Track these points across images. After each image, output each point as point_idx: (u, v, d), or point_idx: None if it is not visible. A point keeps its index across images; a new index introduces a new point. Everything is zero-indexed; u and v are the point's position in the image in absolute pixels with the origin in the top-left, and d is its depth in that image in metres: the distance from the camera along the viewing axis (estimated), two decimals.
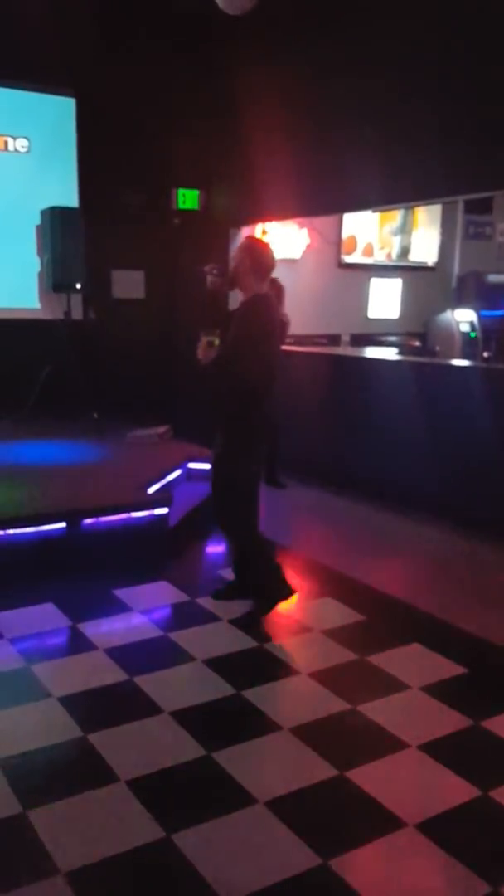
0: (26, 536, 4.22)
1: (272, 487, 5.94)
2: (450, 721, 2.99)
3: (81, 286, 6.68)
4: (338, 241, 8.45)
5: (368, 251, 8.73)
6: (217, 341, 3.59)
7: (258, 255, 3.61)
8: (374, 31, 5.58)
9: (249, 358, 3.53)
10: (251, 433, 3.67)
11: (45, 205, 6.62)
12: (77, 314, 6.92)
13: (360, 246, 8.64)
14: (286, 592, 3.80)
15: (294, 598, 3.89)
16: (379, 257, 8.76)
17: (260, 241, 3.78)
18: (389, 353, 6.82)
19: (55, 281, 6.58)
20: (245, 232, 7.60)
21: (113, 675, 3.27)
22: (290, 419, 6.42)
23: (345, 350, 7.52)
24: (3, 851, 2.27)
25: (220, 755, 2.73)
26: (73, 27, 6.16)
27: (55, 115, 6.86)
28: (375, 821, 2.42)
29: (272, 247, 3.82)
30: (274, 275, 7.83)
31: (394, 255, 8.86)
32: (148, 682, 3.20)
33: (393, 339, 8.35)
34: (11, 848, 2.29)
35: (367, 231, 8.62)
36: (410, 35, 5.33)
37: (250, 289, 3.60)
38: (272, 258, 3.68)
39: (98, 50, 6.41)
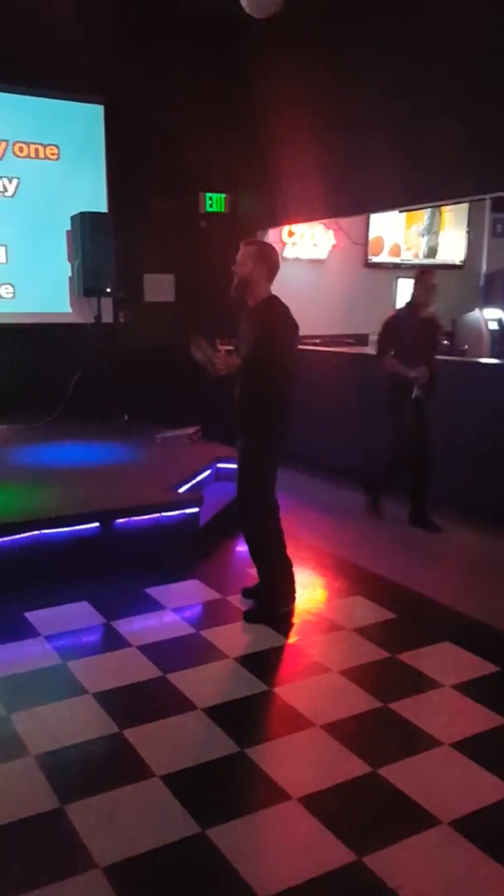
0: (61, 536, 4.29)
1: (421, 529, 5.20)
2: (482, 719, 2.98)
3: (111, 290, 6.76)
4: (364, 242, 8.44)
5: (395, 252, 8.71)
6: (232, 349, 3.65)
7: (272, 261, 3.68)
8: (398, 32, 5.58)
9: (282, 358, 3.59)
10: (275, 432, 3.71)
11: (76, 210, 6.72)
12: (107, 318, 7.00)
13: (387, 246, 8.63)
14: (287, 604, 3.90)
15: (323, 597, 3.91)
16: (406, 257, 8.74)
17: (269, 245, 3.78)
18: None
19: (86, 285, 6.66)
20: (271, 234, 7.64)
21: (146, 671, 3.31)
22: (314, 418, 6.43)
23: (371, 349, 7.49)
24: (42, 845, 2.31)
25: (253, 751, 2.76)
26: (100, 35, 6.25)
27: (84, 122, 6.95)
28: (409, 818, 2.43)
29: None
30: (301, 275, 7.84)
31: (420, 256, 8.83)
32: (181, 679, 3.23)
33: None
34: (49, 842, 2.33)
35: (394, 232, 8.60)
36: (435, 34, 5.32)
37: (264, 293, 3.66)
38: (279, 261, 3.80)
39: (125, 57, 6.50)
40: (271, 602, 3.85)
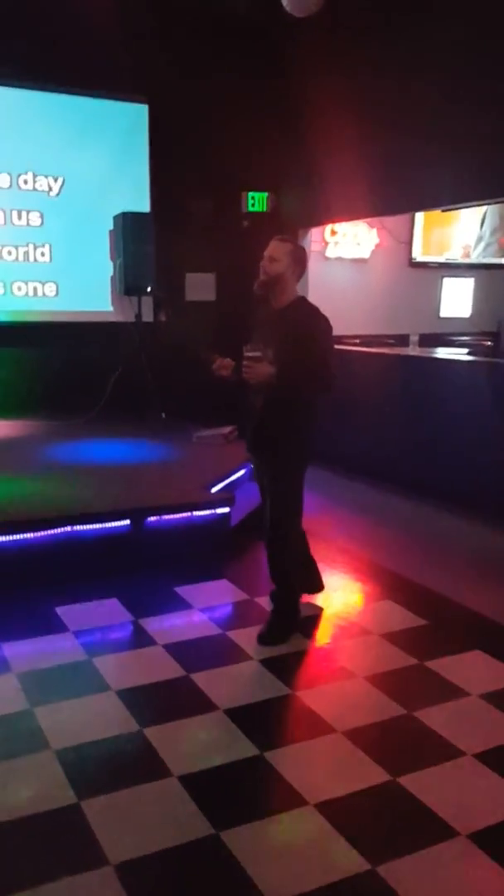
0: (93, 533, 4.33)
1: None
2: None
3: (152, 289, 6.80)
4: (409, 241, 8.34)
5: (466, 254, 8.63)
6: (260, 355, 3.36)
7: (304, 262, 3.53)
8: (442, 27, 5.49)
9: (328, 360, 3.39)
10: (308, 445, 3.58)
11: (119, 209, 6.78)
12: (148, 317, 7.05)
13: (457, 247, 8.57)
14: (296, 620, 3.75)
15: (353, 601, 3.85)
16: (451, 256, 8.61)
17: (302, 245, 3.70)
18: (459, 354, 6.67)
19: (127, 284, 6.72)
20: (313, 233, 7.60)
21: (171, 670, 3.32)
22: (354, 419, 6.38)
23: (413, 350, 7.41)
24: (56, 840, 2.33)
25: (272, 755, 2.74)
26: (143, 35, 6.29)
27: (128, 121, 7.01)
28: (427, 829, 2.38)
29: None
30: (343, 275, 7.72)
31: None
32: (204, 679, 3.23)
33: (464, 339, 8.17)
34: (64, 837, 2.34)
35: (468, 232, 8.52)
36: (479, 30, 5.21)
37: (293, 294, 3.49)
38: None
39: (169, 56, 6.53)
40: (290, 621, 3.69)
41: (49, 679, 3.25)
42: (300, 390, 3.41)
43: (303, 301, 3.53)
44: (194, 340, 6.89)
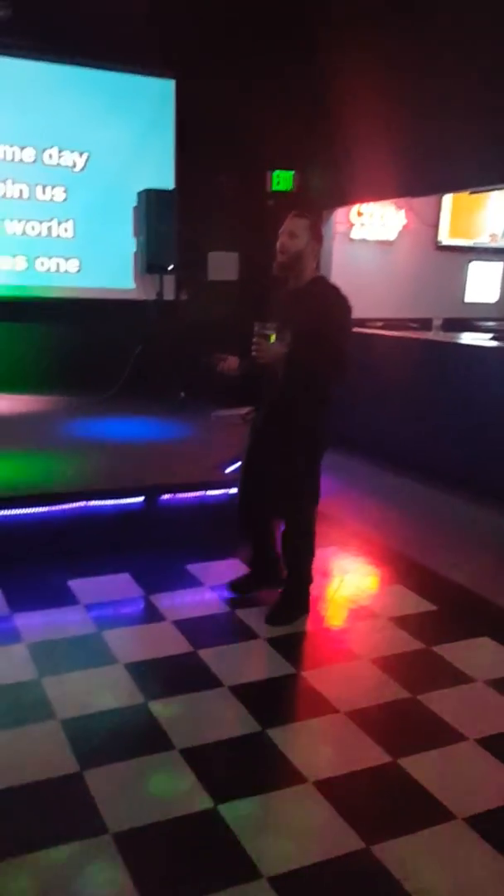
0: (107, 509, 4.38)
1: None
2: None
3: (173, 267, 6.80)
4: (436, 223, 8.24)
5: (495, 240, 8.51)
6: (274, 336, 3.21)
7: (321, 238, 3.41)
8: (474, 4, 5.37)
9: (346, 344, 3.31)
10: (326, 425, 3.51)
11: (143, 186, 6.77)
12: (169, 295, 7.05)
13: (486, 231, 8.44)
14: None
15: (363, 584, 3.85)
16: (479, 240, 8.49)
17: (316, 221, 3.44)
18: (483, 339, 6.59)
19: (149, 262, 6.73)
20: (339, 214, 7.52)
21: (178, 646, 3.35)
22: (373, 403, 6.35)
23: (436, 335, 7.33)
24: (57, 807, 2.38)
25: (274, 732, 2.76)
26: (172, 9, 6.24)
27: (155, 97, 6.98)
28: (424, 811, 2.39)
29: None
30: (368, 256, 7.52)
31: None
32: (211, 656, 3.25)
33: (489, 324, 8.07)
34: (66, 804, 2.39)
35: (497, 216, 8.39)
36: None
37: (312, 272, 3.37)
38: None
39: (197, 32, 6.47)
40: (304, 598, 3.68)
41: (58, 650, 3.30)
42: (315, 375, 3.31)
43: (321, 280, 3.42)
44: (215, 321, 6.90)
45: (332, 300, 3.32)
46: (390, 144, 6.25)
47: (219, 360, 3.54)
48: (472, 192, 7.40)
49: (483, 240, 8.50)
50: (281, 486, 3.53)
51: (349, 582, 4.14)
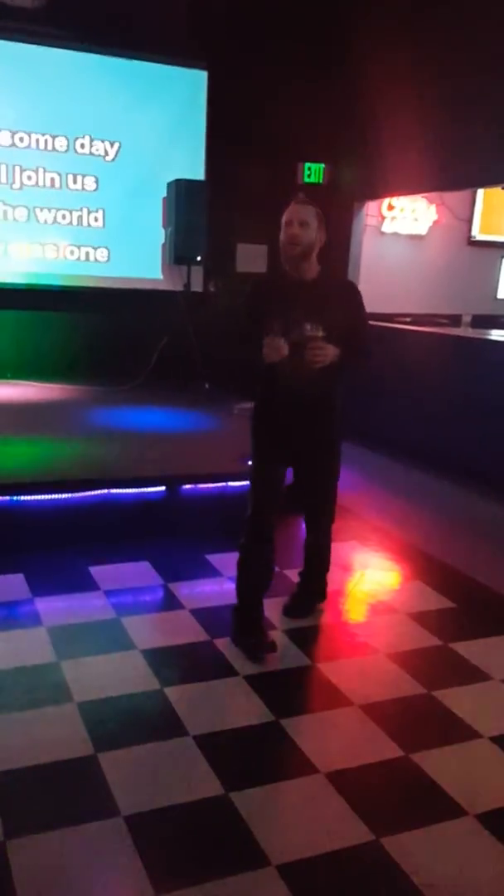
0: (129, 497, 4.41)
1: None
2: None
3: (202, 259, 6.80)
4: (469, 218, 8.15)
5: None
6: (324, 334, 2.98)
7: (326, 226, 3.18)
8: None
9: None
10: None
11: (174, 176, 6.77)
12: (197, 286, 7.05)
13: None
14: None
15: (382, 579, 3.85)
16: None
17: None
18: None
19: (177, 253, 6.73)
20: (370, 207, 7.47)
21: (195, 634, 3.38)
22: (398, 400, 6.31)
23: (464, 331, 7.26)
24: (71, 788, 2.41)
25: (288, 722, 2.77)
26: (206, 1, 6.23)
27: (187, 87, 6.95)
28: (435, 806, 2.39)
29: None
30: (398, 251, 7.28)
31: None
32: (227, 646, 3.27)
33: None
34: (79, 786, 2.42)
35: None
36: None
37: (318, 263, 3.16)
38: None
39: (230, 23, 6.45)
40: (324, 588, 3.70)
41: (77, 635, 3.34)
42: (355, 367, 3.26)
43: (328, 271, 3.30)
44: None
45: (355, 290, 3.30)
46: (422, 138, 6.19)
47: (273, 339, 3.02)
48: None
49: None
50: (328, 478, 3.40)
51: (369, 577, 4.13)
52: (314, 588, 3.67)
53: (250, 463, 3.32)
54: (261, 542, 3.24)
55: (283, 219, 3.11)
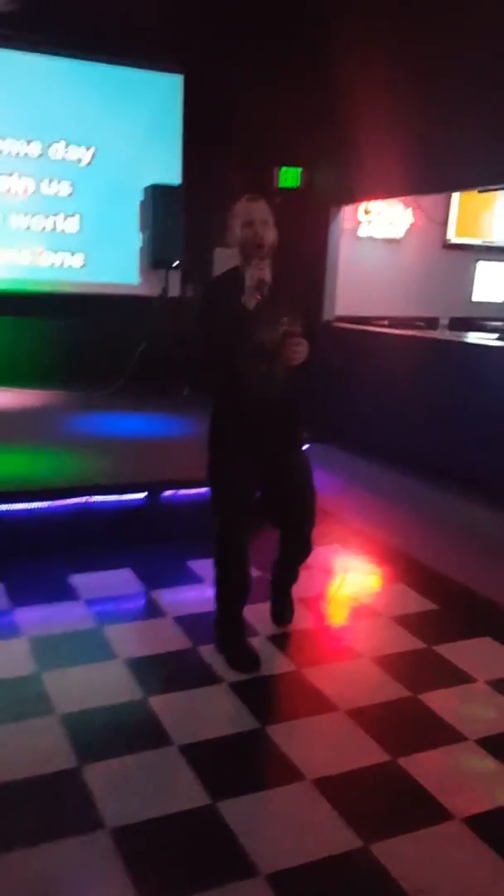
0: (109, 504, 4.37)
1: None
2: None
3: (179, 263, 6.78)
4: (444, 221, 8.20)
5: None
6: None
7: None
8: (482, 1, 5.34)
9: None
10: None
11: (149, 182, 6.75)
12: (175, 291, 7.04)
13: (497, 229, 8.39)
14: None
15: (365, 582, 3.84)
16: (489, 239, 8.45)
17: None
18: (490, 339, 6.57)
19: (154, 257, 6.72)
20: (346, 212, 7.49)
21: (178, 642, 3.35)
22: (377, 402, 6.33)
23: (442, 333, 7.30)
24: (56, 802, 2.37)
25: (273, 729, 2.75)
26: (180, 4, 6.22)
27: (163, 92, 6.96)
28: (422, 810, 2.38)
29: None
30: (374, 254, 7.15)
31: None
32: (211, 653, 3.24)
33: (497, 323, 8.04)
34: (63, 800, 2.38)
35: None
36: None
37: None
38: None
39: (205, 28, 6.44)
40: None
41: (58, 645, 3.30)
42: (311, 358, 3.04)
43: (278, 267, 3.04)
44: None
45: (301, 277, 3.27)
46: (399, 142, 6.22)
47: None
48: (480, 191, 7.36)
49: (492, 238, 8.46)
50: (306, 479, 3.25)
51: (351, 580, 4.13)
52: (289, 587, 3.54)
53: (213, 477, 3.17)
54: (238, 561, 3.13)
55: (240, 218, 2.94)
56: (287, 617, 3.53)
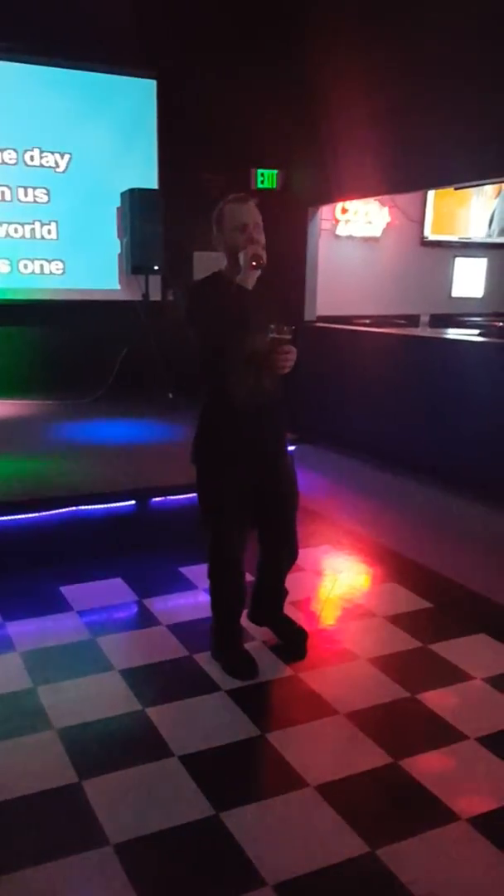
0: (98, 513, 4.33)
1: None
2: None
3: (159, 268, 6.75)
4: (420, 219, 8.24)
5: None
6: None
7: None
8: (455, 3, 5.36)
9: None
10: None
11: (127, 186, 6.71)
12: (155, 295, 7.00)
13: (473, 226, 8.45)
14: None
15: (358, 583, 3.83)
16: (465, 235, 8.50)
17: None
18: (470, 334, 6.60)
19: (134, 263, 6.67)
20: (324, 211, 7.50)
21: (174, 651, 3.32)
22: (362, 400, 6.34)
23: (423, 330, 7.33)
24: (57, 819, 2.34)
25: (273, 736, 2.73)
26: (153, 9, 6.19)
27: (137, 96, 6.92)
28: (427, 812, 2.37)
29: None
30: (354, 253, 7.16)
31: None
32: (207, 660, 3.22)
33: (476, 319, 8.09)
34: (65, 816, 2.35)
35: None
36: (493, 5, 5.10)
37: None
38: None
39: (178, 31, 6.42)
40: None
41: (52, 658, 3.26)
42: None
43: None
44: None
45: (275, 279, 3.08)
46: (374, 142, 6.23)
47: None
48: (456, 189, 7.40)
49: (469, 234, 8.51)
50: (293, 485, 3.21)
51: (343, 581, 4.12)
52: (281, 606, 3.41)
53: (204, 490, 3.10)
54: (234, 572, 3.10)
55: (229, 221, 2.85)
56: (300, 645, 3.32)
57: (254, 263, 2.80)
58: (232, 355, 2.86)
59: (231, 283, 2.86)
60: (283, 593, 3.39)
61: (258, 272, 2.83)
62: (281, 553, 3.27)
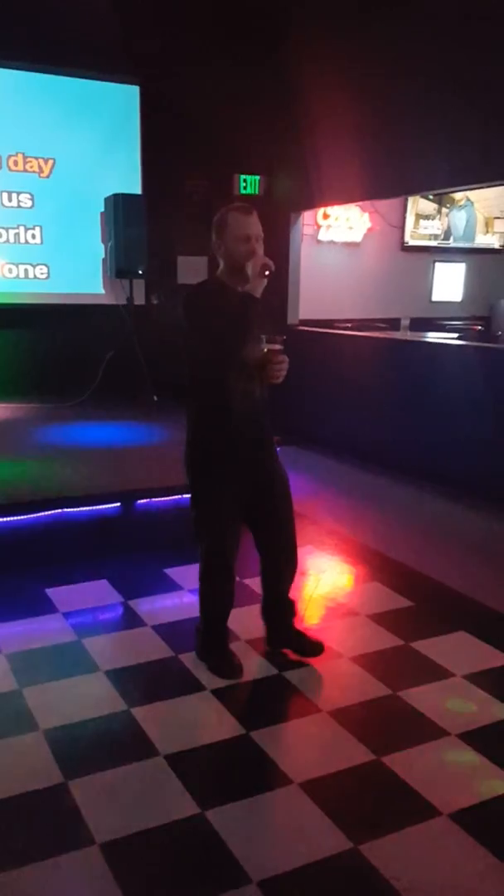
0: (83, 515, 4.34)
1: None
2: (491, 710, 2.94)
3: (143, 272, 6.77)
4: (401, 224, 8.32)
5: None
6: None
7: None
8: (436, 11, 5.44)
9: None
10: None
11: (110, 191, 6.73)
12: (140, 299, 7.02)
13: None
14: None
15: (340, 582, 3.88)
16: (444, 241, 8.59)
17: None
18: (450, 338, 6.68)
19: (118, 267, 6.69)
20: (305, 217, 7.55)
21: (159, 651, 3.35)
22: (344, 403, 6.40)
23: (403, 334, 7.40)
24: (43, 820, 2.36)
25: (258, 734, 2.76)
26: (137, 14, 6.22)
27: (120, 102, 6.95)
28: (409, 808, 2.41)
29: None
30: (335, 259, 7.22)
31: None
32: (192, 660, 3.25)
33: (456, 323, 8.18)
34: (51, 817, 2.36)
35: None
36: (472, 13, 5.18)
37: None
38: None
39: (161, 38, 6.46)
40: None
41: (38, 660, 3.27)
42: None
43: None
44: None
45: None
46: (355, 148, 6.30)
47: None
48: (436, 195, 7.48)
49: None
50: (285, 490, 3.21)
51: (326, 580, 4.16)
52: (291, 620, 3.36)
53: (199, 501, 3.10)
54: (226, 582, 3.13)
55: (234, 231, 2.85)
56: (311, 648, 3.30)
57: (266, 273, 2.81)
58: (237, 363, 2.86)
59: (234, 292, 2.84)
60: (290, 607, 3.33)
61: (265, 281, 2.83)
62: (279, 559, 3.24)
